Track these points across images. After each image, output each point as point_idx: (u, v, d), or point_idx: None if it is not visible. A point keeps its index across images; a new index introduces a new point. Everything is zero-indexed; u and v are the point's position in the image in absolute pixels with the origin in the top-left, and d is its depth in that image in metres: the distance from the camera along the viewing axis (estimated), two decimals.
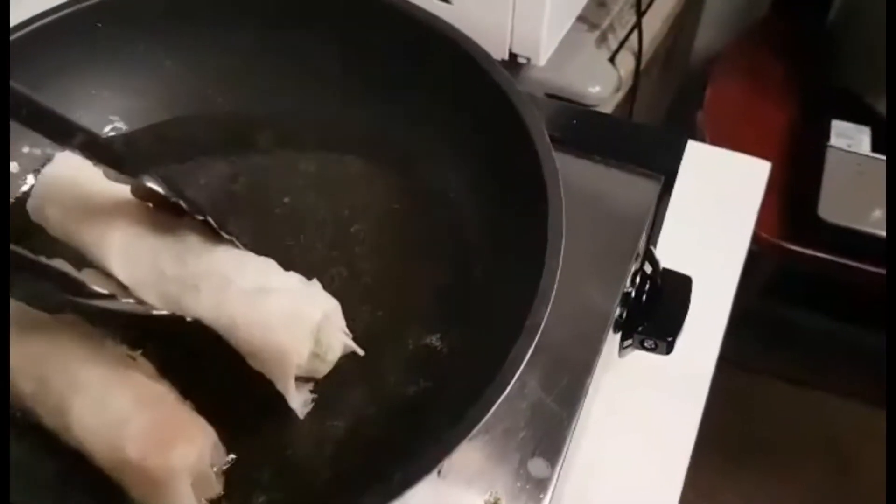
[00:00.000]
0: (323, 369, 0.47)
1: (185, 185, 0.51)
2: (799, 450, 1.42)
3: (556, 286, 0.44)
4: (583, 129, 0.63)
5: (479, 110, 0.54)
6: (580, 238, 0.52)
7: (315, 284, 0.47)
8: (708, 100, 1.31)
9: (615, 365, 0.64)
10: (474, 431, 0.39)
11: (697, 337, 0.64)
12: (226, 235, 0.48)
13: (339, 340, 0.47)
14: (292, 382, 0.45)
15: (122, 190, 0.49)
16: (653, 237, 0.63)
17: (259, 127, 0.60)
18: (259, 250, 0.49)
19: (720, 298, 0.74)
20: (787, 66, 1.34)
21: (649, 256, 0.61)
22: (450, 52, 0.54)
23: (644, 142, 0.63)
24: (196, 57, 0.59)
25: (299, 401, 0.46)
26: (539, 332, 0.42)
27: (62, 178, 0.50)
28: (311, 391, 0.47)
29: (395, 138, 0.58)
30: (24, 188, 0.56)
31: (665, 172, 0.61)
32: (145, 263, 0.47)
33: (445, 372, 0.48)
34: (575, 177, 0.59)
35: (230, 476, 0.45)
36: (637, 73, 1.01)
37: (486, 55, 0.54)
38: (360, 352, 0.47)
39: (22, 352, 0.45)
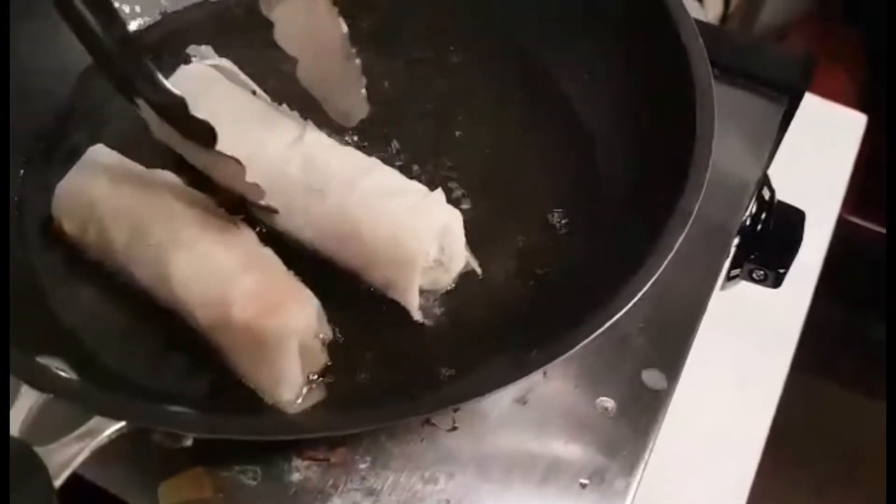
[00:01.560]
0: (445, 281, 0.44)
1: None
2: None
3: (708, 173, 0.40)
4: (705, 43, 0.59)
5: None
6: None
7: (438, 193, 0.43)
8: None
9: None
10: (618, 316, 0.36)
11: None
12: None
13: (461, 251, 0.44)
14: (416, 284, 0.42)
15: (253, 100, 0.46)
16: (769, 162, 0.59)
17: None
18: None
19: (812, 248, 0.71)
20: (857, 34, 1.29)
21: (767, 182, 0.57)
22: None
23: (769, 59, 0.58)
24: None
25: (417, 304, 0.42)
26: (691, 219, 0.38)
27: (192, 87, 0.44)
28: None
29: (511, 26, 0.54)
30: None
31: (790, 92, 0.57)
32: (269, 170, 0.43)
33: (564, 265, 0.45)
34: None
35: (333, 352, 0.41)
36: (725, 17, 0.96)
37: None
38: (479, 270, 0.44)
39: (115, 201, 0.41)
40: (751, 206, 0.55)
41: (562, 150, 0.50)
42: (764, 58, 0.58)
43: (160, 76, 0.38)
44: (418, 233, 0.41)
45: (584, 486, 0.40)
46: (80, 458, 0.30)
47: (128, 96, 0.41)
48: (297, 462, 0.40)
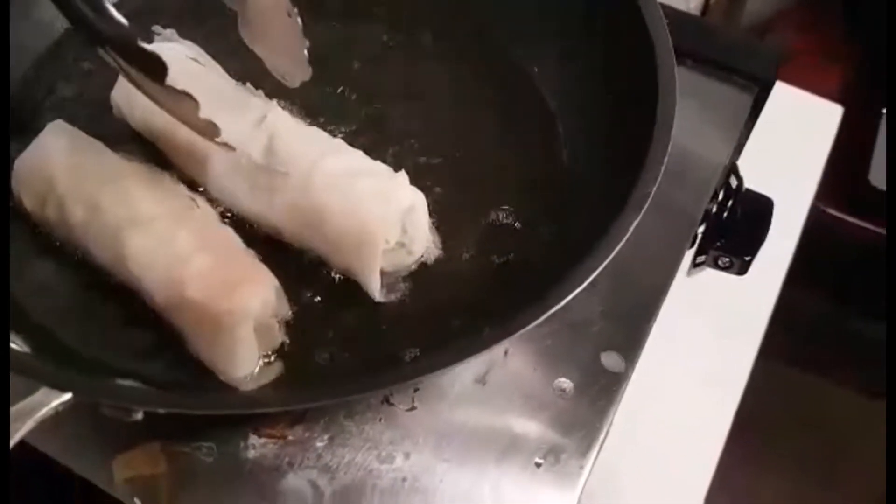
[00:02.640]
0: (407, 262, 0.44)
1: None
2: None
3: (666, 158, 0.40)
4: (677, 32, 0.59)
5: None
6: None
7: (402, 175, 0.44)
8: None
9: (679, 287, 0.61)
10: (571, 297, 0.36)
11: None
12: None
13: (424, 233, 0.44)
14: (377, 265, 0.42)
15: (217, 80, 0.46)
16: (738, 152, 0.59)
17: None
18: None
19: (784, 236, 0.71)
20: (844, 29, 1.29)
21: (734, 170, 0.57)
22: None
23: (740, 50, 0.58)
24: None
25: (378, 285, 0.43)
26: (647, 202, 0.39)
27: None
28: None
29: (478, 10, 0.54)
30: None
31: (759, 82, 0.57)
32: (232, 154, 0.43)
33: (525, 247, 0.45)
34: None
35: (292, 331, 0.41)
36: (705, 9, 0.96)
37: None
38: (441, 252, 0.45)
39: (73, 177, 0.41)
40: (718, 194, 0.56)
41: (526, 134, 0.50)
42: (735, 48, 0.58)
43: (108, 5, 0.37)
44: (381, 215, 0.42)
45: (538, 465, 0.41)
46: (26, 429, 0.30)
47: (86, 37, 0.40)
48: (253, 439, 0.40)
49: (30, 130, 0.44)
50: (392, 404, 0.42)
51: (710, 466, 0.58)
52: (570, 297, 0.36)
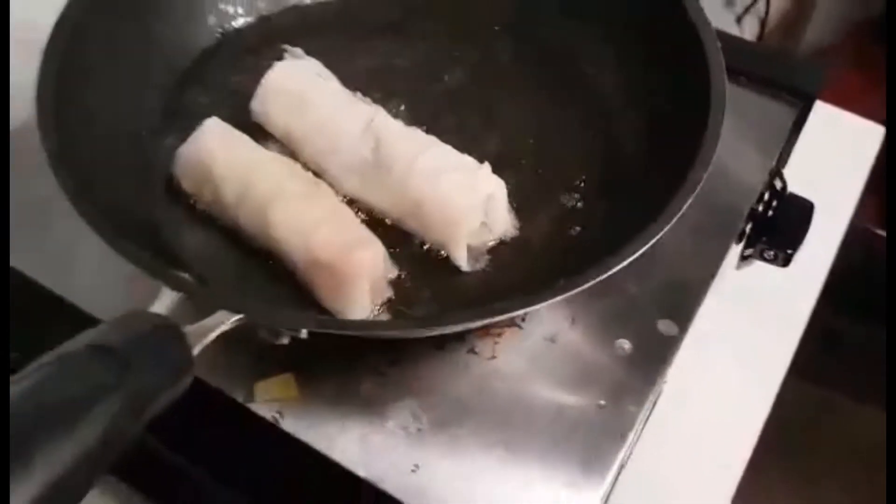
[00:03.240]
0: (489, 239, 0.53)
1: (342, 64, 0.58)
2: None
3: (717, 148, 0.48)
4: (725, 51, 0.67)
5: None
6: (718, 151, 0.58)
7: (486, 166, 0.53)
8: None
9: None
10: (630, 260, 0.45)
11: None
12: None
13: (503, 216, 0.53)
14: (464, 244, 0.51)
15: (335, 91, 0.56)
16: (783, 160, 0.67)
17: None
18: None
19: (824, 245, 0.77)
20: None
21: (779, 175, 0.64)
22: None
23: (784, 67, 0.66)
24: None
25: (465, 259, 0.52)
26: (699, 186, 0.46)
27: (285, 84, 0.56)
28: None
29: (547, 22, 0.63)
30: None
31: (803, 98, 0.64)
32: (348, 154, 0.54)
33: (590, 224, 0.54)
34: None
35: (396, 289, 0.50)
36: (761, 37, 1.04)
37: None
38: (517, 231, 0.53)
39: (226, 166, 0.51)
40: (763, 195, 0.63)
41: (586, 126, 0.59)
42: (778, 64, 0.66)
43: None
44: (466, 203, 0.51)
45: (601, 406, 0.48)
46: (211, 337, 0.39)
47: None
48: (365, 377, 0.49)
49: (186, 123, 0.54)
50: (476, 353, 0.50)
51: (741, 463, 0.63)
52: (636, 255, 0.44)
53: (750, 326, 0.70)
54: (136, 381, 0.33)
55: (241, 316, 0.40)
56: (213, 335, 0.39)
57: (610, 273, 0.44)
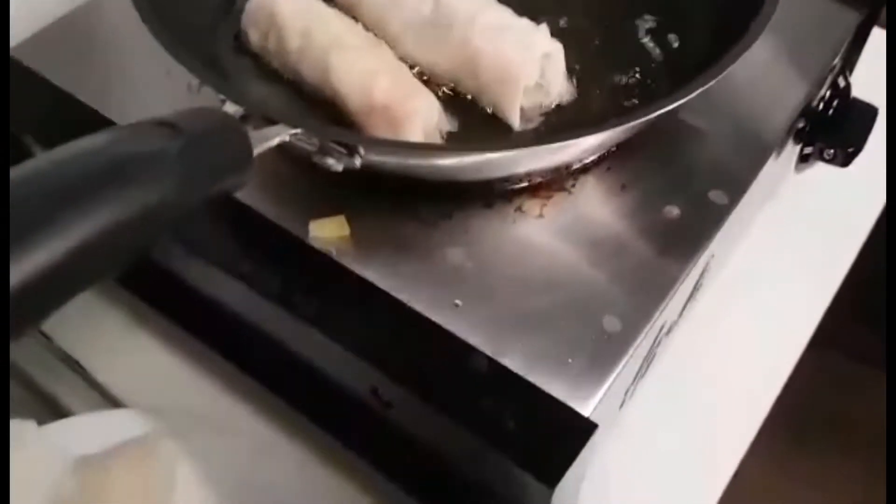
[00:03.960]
0: (545, 102, 0.54)
1: None
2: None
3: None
4: None
5: None
6: (779, 49, 0.59)
7: (543, 27, 0.53)
8: None
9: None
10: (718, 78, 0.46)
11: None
12: None
13: (559, 77, 0.54)
14: (518, 102, 0.52)
15: None
16: (850, 65, 0.65)
17: None
18: None
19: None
20: None
21: (843, 74, 0.63)
22: None
23: None
24: None
25: (518, 118, 0.53)
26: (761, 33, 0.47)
27: None
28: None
29: None
30: None
31: (868, 7, 0.63)
32: (408, 12, 0.55)
33: (649, 95, 0.54)
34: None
35: (449, 140, 0.52)
36: None
37: None
38: (571, 96, 0.54)
39: (290, 15, 0.53)
40: (822, 97, 0.62)
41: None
42: None
43: None
44: (522, 59, 0.52)
45: (644, 264, 0.49)
46: (272, 143, 0.40)
47: None
48: (415, 226, 0.50)
49: None
50: (523, 212, 0.51)
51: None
52: (695, 92, 0.45)
53: (805, 238, 0.70)
54: (197, 155, 0.35)
55: (298, 130, 0.42)
56: (273, 142, 0.41)
57: (668, 109, 0.45)
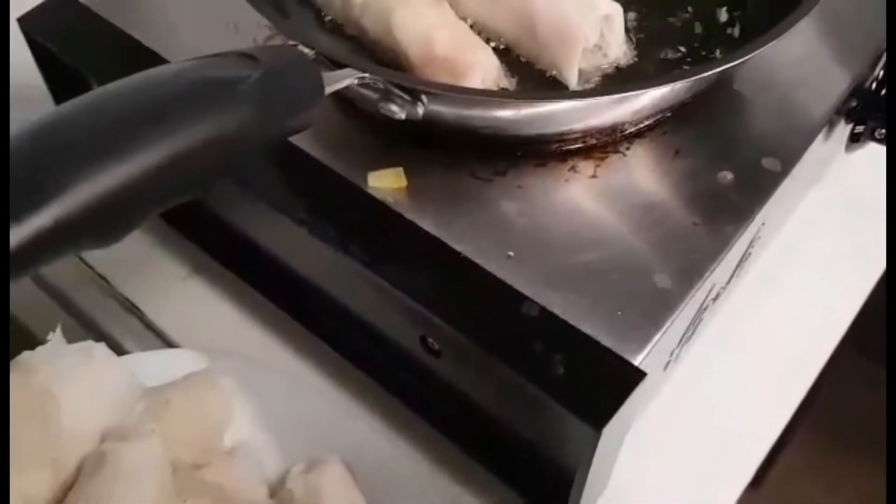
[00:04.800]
0: (603, 63, 0.55)
1: None
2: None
3: None
4: None
5: None
6: (834, 18, 0.58)
7: None
8: None
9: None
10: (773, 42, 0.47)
11: None
12: None
13: (618, 39, 0.55)
14: (576, 61, 0.53)
15: None
16: None
17: None
18: None
19: None
20: None
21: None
22: None
23: None
24: None
25: (576, 78, 0.53)
26: None
27: None
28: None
29: None
30: None
31: None
32: None
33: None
34: None
35: None
36: None
37: None
38: (631, 59, 0.55)
39: None
40: (876, 77, 0.62)
41: None
42: None
43: None
44: (582, 19, 0.52)
45: (696, 224, 0.49)
46: (341, 84, 0.42)
47: None
48: (471, 180, 0.51)
49: None
50: (577, 171, 0.52)
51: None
52: (757, 51, 0.46)
53: (849, 225, 0.69)
54: (274, 86, 0.37)
55: (366, 74, 0.43)
56: (343, 83, 0.42)
57: (724, 68, 0.45)
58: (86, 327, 0.60)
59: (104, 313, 0.60)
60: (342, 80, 0.42)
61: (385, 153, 0.51)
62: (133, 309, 0.59)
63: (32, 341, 0.48)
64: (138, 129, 0.32)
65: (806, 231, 0.67)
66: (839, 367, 0.67)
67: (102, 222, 0.31)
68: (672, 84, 0.46)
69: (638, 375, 0.41)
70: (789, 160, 0.53)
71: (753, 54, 0.46)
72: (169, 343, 0.57)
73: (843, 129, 0.64)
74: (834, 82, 0.57)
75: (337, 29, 0.56)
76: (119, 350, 0.57)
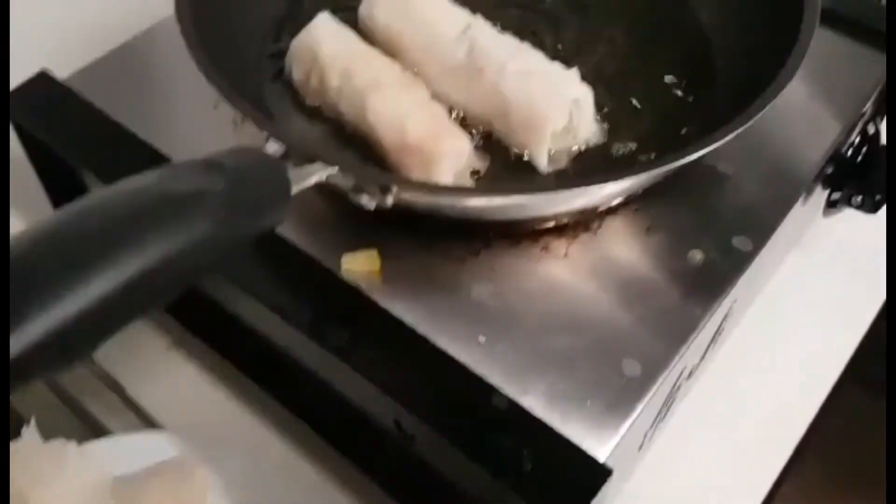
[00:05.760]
0: (572, 145, 0.55)
1: None
2: None
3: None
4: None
5: None
6: (809, 92, 0.60)
7: (573, 71, 0.55)
8: None
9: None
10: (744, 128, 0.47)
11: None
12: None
13: (588, 122, 0.56)
14: (545, 146, 0.54)
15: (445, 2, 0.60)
16: (881, 111, 0.66)
17: None
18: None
19: None
20: None
21: (874, 121, 0.64)
22: None
23: (875, 9, 0.65)
24: None
25: (545, 162, 0.54)
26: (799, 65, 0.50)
27: None
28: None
29: None
30: None
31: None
32: (444, 55, 0.57)
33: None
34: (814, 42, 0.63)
35: (480, 181, 0.53)
36: None
37: None
38: (600, 139, 0.56)
39: (332, 54, 0.56)
40: (851, 143, 0.62)
41: (676, 46, 0.62)
42: (870, 7, 0.65)
43: None
44: (551, 105, 0.53)
45: (666, 309, 0.49)
46: (309, 182, 0.42)
47: None
48: (444, 262, 0.51)
49: (299, 24, 0.59)
50: (549, 251, 0.52)
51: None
52: (722, 141, 0.46)
53: (830, 284, 0.70)
54: (240, 195, 0.37)
55: (335, 169, 0.44)
56: (310, 181, 0.42)
57: (691, 159, 0.46)
58: (65, 403, 0.60)
59: (84, 388, 0.60)
60: (310, 177, 0.43)
61: (359, 234, 0.52)
62: (114, 385, 0.60)
63: (14, 415, 0.49)
64: (98, 253, 0.32)
65: (785, 293, 0.68)
66: (824, 426, 0.67)
67: (62, 350, 0.31)
68: (630, 178, 0.46)
69: (604, 474, 0.41)
70: (761, 238, 0.53)
71: (717, 144, 0.46)
72: (149, 420, 0.58)
73: (821, 195, 0.64)
74: (809, 154, 0.58)
75: (314, 111, 0.57)
76: (99, 429, 0.57)
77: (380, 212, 0.48)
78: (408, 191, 0.45)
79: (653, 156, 0.55)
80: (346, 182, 0.46)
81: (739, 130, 0.47)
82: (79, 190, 0.62)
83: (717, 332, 0.55)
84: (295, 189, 0.42)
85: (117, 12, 0.71)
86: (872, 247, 0.70)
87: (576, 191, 0.47)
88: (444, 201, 0.48)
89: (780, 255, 0.64)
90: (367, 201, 0.45)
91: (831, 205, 0.65)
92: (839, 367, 0.66)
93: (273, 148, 0.43)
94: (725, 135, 0.47)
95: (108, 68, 0.62)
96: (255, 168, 0.39)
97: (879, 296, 0.70)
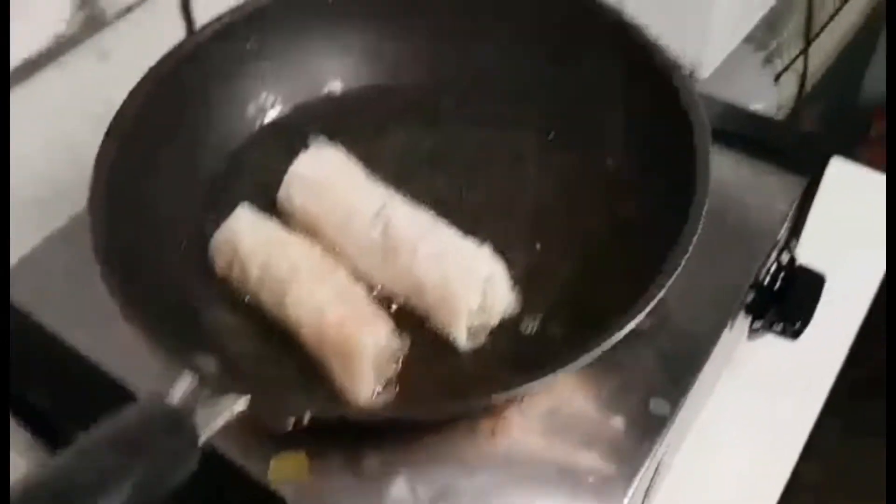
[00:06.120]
0: (489, 323, 0.57)
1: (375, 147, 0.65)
2: None
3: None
4: (733, 124, 0.69)
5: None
6: (721, 225, 0.61)
7: (484, 248, 0.57)
8: (870, 139, 1.31)
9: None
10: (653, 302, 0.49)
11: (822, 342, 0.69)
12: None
13: (502, 296, 0.57)
14: (463, 325, 0.55)
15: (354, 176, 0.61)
16: (796, 232, 0.68)
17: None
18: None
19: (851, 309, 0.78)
20: None
21: (788, 249, 0.66)
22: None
23: (792, 142, 0.68)
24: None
25: (464, 340, 0.56)
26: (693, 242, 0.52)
27: (306, 173, 0.61)
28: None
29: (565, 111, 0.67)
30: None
31: (810, 174, 0.66)
32: (360, 236, 0.58)
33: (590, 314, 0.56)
34: (724, 169, 0.65)
35: (401, 363, 0.55)
36: (800, 95, 1.04)
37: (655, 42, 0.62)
38: (517, 309, 0.57)
39: (252, 246, 0.57)
40: (769, 269, 0.64)
41: (593, 209, 0.63)
42: (785, 136, 0.68)
43: None
44: (464, 285, 0.55)
45: (590, 480, 0.51)
46: (219, 423, 0.43)
47: None
48: (369, 453, 0.52)
49: (224, 212, 0.60)
50: (474, 432, 0.54)
51: None
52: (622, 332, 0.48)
53: (764, 402, 0.72)
54: (145, 468, 0.39)
55: (245, 401, 0.45)
56: (220, 421, 0.44)
57: (593, 355, 0.48)
58: None
59: None
60: (219, 418, 0.44)
61: (287, 437, 0.52)
62: None
63: None
64: None
65: (721, 413, 0.69)
66: None
67: None
68: (539, 380, 0.48)
69: None
70: (677, 398, 0.55)
71: (619, 335, 0.48)
72: None
73: (743, 322, 0.66)
74: (721, 298, 0.60)
75: (240, 301, 0.58)
76: None
77: None
78: (321, 416, 0.46)
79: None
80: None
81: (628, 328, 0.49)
82: None
83: (650, 486, 0.57)
84: (203, 438, 0.43)
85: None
86: (804, 358, 0.72)
87: (468, 405, 0.49)
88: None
89: (711, 380, 0.66)
90: (284, 427, 0.47)
91: (754, 332, 0.67)
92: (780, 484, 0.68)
93: (182, 386, 0.44)
94: (628, 321, 0.50)
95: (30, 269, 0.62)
96: (159, 433, 0.41)
97: (815, 406, 0.72)
